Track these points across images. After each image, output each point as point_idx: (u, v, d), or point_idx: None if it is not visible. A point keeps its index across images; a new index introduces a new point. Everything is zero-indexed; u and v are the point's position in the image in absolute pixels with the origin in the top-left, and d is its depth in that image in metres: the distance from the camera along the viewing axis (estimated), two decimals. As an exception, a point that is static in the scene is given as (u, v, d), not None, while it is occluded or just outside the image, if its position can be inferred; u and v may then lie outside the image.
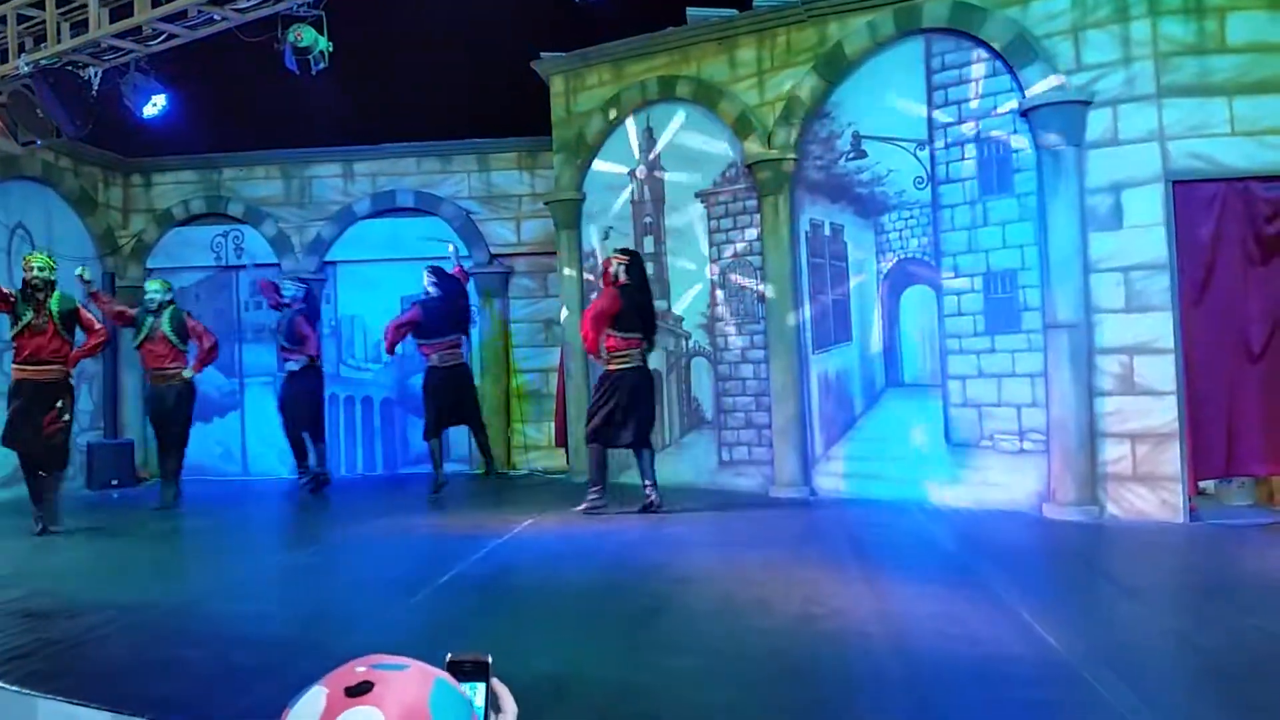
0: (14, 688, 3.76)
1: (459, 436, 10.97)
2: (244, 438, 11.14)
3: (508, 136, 11.00)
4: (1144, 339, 6.66)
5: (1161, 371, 6.59)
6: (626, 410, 7.32)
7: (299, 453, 9.33)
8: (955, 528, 6.63)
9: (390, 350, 9.16)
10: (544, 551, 6.33)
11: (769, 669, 3.86)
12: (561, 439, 10.12)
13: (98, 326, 7.53)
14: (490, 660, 1.02)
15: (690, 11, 8.86)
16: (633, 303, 7.37)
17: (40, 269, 7.19)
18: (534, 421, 10.93)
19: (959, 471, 7.42)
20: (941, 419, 7.54)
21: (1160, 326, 6.60)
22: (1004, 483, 7.18)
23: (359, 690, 0.91)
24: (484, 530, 6.89)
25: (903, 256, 7.83)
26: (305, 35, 6.16)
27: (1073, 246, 6.85)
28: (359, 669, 0.95)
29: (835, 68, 8.01)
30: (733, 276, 8.72)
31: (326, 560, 6.51)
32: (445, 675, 0.98)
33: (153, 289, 8.66)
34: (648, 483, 7.39)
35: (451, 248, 9.79)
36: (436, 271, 9.06)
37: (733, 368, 8.71)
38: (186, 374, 8.42)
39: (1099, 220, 6.82)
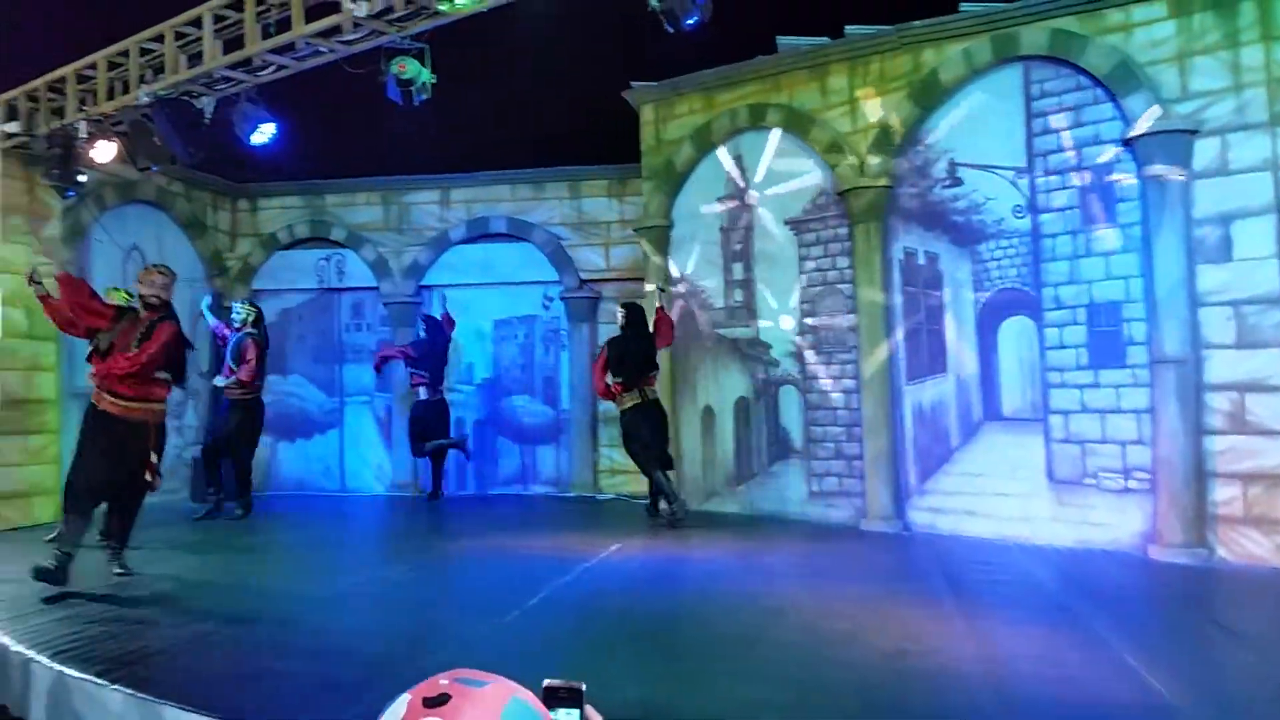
0: (126, 690, 3.91)
1: (545, 457, 11.10)
2: (342, 455, 11.43)
3: (598, 164, 11.14)
4: (1257, 376, 6.40)
5: (1275, 410, 6.31)
6: (644, 440, 8.38)
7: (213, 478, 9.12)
8: (1056, 567, 6.43)
9: (377, 369, 10.54)
10: (632, 577, 6.33)
11: (858, 705, 3.79)
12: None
13: None
14: (584, 688, 1.04)
15: (781, 40, 8.88)
16: (624, 350, 8.45)
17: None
18: (620, 446, 10.95)
19: (1060, 509, 7.20)
20: (1043, 454, 7.34)
21: (1274, 363, 6.33)
22: (1107, 522, 6.94)
23: (437, 701, 0.96)
24: (572, 553, 6.93)
25: (1001, 286, 7.67)
26: (409, 67, 6.35)
27: (1179, 279, 6.63)
28: (443, 681, 0.99)
29: (930, 95, 7.92)
30: (823, 305, 8.65)
31: (420, 577, 6.62)
32: (525, 695, 1.01)
33: (237, 310, 9.16)
34: (665, 497, 8.36)
35: (444, 298, 10.68)
36: (427, 319, 10.41)
37: (823, 396, 8.62)
38: (219, 381, 9.04)
39: (1207, 252, 6.59)
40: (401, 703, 0.98)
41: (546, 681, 1.03)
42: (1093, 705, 3.68)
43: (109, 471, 5.80)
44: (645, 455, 8.33)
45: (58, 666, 4.24)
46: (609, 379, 8.47)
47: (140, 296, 6.09)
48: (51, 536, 6.23)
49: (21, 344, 8.74)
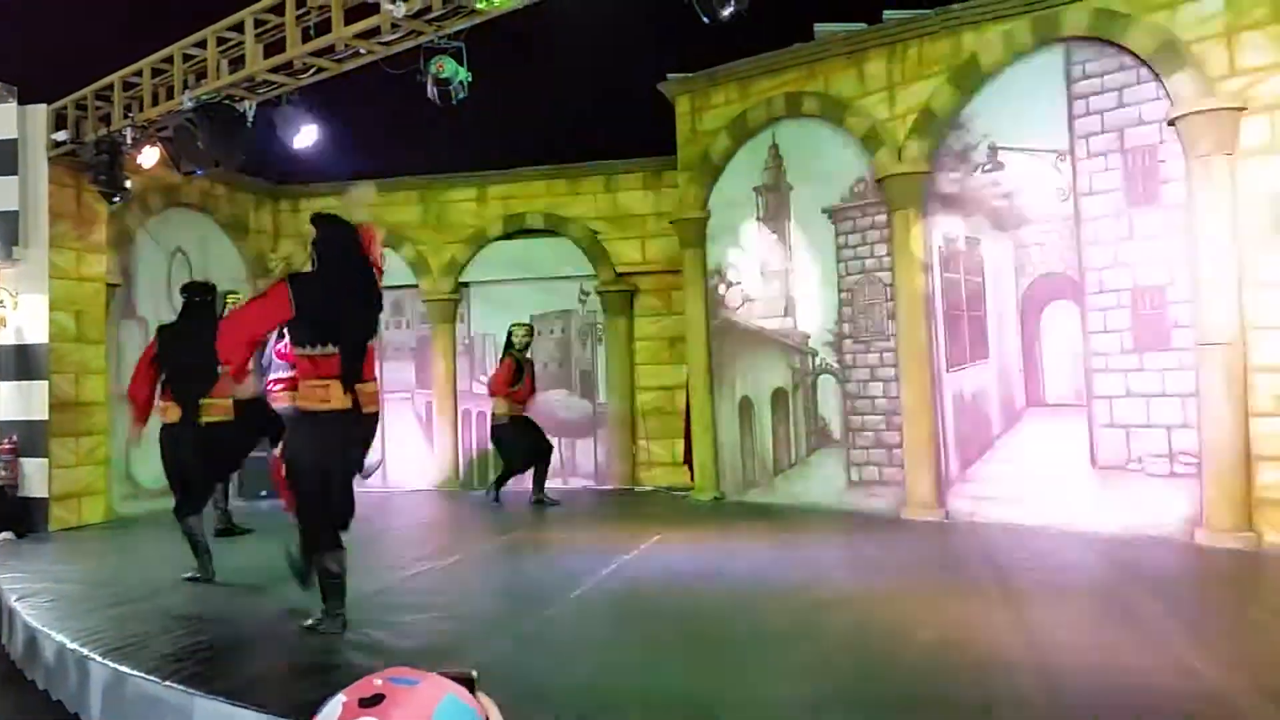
0: (179, 687, 3.99)
1: (583, 450, 11.16)
2: (383, 451, 11.55)
3: (633, 157, 11.14)
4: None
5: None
6: None
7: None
8: (1102, 554, 6.36)
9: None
10: (673, 569, 6.35)
11: (906, 698, 3.78)
12: (688, 456, 10.14)
13: None
14: (475, 675, 1.05)
15: (818, 26, 8.82)
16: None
17: None
18: (658, 438, 10.99)
19: (1105, 495, 7.11)
20: (1086, 440, 7.25)
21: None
22: (1153, 507, 6.85)
23: (371, 701, 0.97)
24: (612, 547, 6.96)
25: (1043, 271, 7.57)
26: (446, 66, 6.38)
27: (1226, 261, 6.51)
28: (376, 681, 1.01)
29: (970, 78, 7.83)
30: (861, 293, 8.60)
31: (462, 571, 6.69)
32: (459, 691, 1.01)
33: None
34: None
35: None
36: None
37: (861, 386, 8.57)
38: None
39: (1255, 233, 6.46)
40: (336, 703, 0.99)
41: (439, 670, 1.04)
42: (1142, 693, 3.65)
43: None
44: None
45: (113, 664, 4.34)
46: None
47: None
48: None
49: (71, 347, 8.93)
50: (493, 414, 9.82)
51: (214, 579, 6.10)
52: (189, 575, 6.17)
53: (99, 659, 4.43)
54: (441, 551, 7.40)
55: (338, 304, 4.66)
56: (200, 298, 6.77)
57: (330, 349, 4.54)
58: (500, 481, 9.75)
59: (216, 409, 6.38)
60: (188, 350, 6.16)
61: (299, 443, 4.71)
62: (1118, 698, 3.62)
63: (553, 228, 11.34)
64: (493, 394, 9.77)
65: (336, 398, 4.59)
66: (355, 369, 4.64)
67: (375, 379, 4.90)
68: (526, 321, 10.07)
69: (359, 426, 4.80)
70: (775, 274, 9.26)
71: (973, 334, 7.96)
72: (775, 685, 3.95)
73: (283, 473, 4.78)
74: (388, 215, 11.69)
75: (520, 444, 9.67)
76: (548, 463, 9.79)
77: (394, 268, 11.61)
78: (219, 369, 5.09)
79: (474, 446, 11.41)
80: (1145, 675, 3.84)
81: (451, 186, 11.62)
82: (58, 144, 8.68)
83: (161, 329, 6.77)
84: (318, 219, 4.70)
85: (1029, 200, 7.60)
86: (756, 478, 9.36)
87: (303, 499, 4.69)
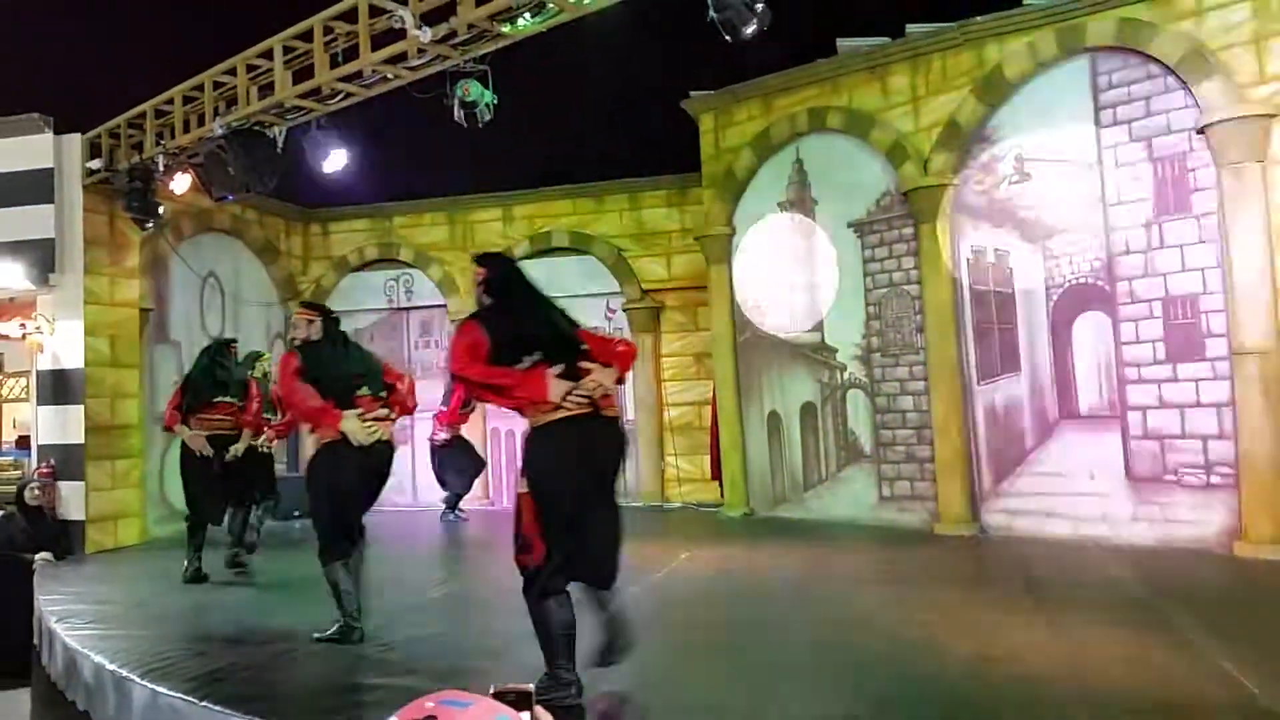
0: (216, 707, 4.02)
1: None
2: (414, 470, 11.61)
3: (658, 174, 11.18)
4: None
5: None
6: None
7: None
8: (1140, 567, 6.27)
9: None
10: (703, 586, 6.33)
11: (941, 714, 3.74)
12: (716, 472, 10.12)
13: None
14: (533, 689, 1.05)
15: (841, 42, 8.84)
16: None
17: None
18: (685, 455, 10.97)
19: (1141, 508, 7.03)
20: (1121, 452, 7.17)
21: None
22: (1191, 519, 6.76)
23: None
24: (643, 563, 6.94)
25: (1073, 282, 7.52)
26: (472, 90, 6.46)
27: (1259, 268, 6.44)
28: (428, 704, 1.00)
29: (995, 90, 7.81)
30: (889, 307, 8.57)
31: (491, 589, 6.68)
32: (510, 713, 1.01)
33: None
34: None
35: None
36: None
37: (891, 400, 8.53)
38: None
39: (1289, 238, 6.39)
40: None
41: (494, 686, 1.04)
42: (1184, 708, 3.59)
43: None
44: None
45: (151, 685, 4.38)
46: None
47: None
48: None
49: (106, 372, 9.04)
50: (434, 437, 10.15)
51: (363, 641, 5.03)
52: (328, 634, 5.03)
53: (137, 679, 4.47)
54: (468, 570, 7.41)
55: (526, 317, 4.28)
56: (336, 317, 5.74)
57: (536, 355, 4.05)
58: (455, 501, 10.27)
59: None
60: (338, 365, 5.35)
61: (539, 463, 4.05)
62: (1162, 712, 3.56)
63: (578, 246, 11.39)
64: (445, 422, 10.03)
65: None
66: (570, 368, 4.01)
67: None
68: None
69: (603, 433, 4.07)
70: (802, 288, 9.24)
71: (1003, 346, 7.90)
72: (808, 702, 3.92)
73: (529, 506, 4.04)
74: (416, 236, 11.82)
75: (467, 461, 10.22)
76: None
77: (423, 287, 11.76)
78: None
79: (504, 464, 11.45)
80: (1188, 689, 3.78)
81: (478, 207, 11.72)
82: (92, 172, 8.83)
83: (303, 348, 5.44)
84: (484, 259, 4.44)
85: (1057, 211, 7.55)
86: (786, 493, 9.32)
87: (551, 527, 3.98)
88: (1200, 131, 6.73)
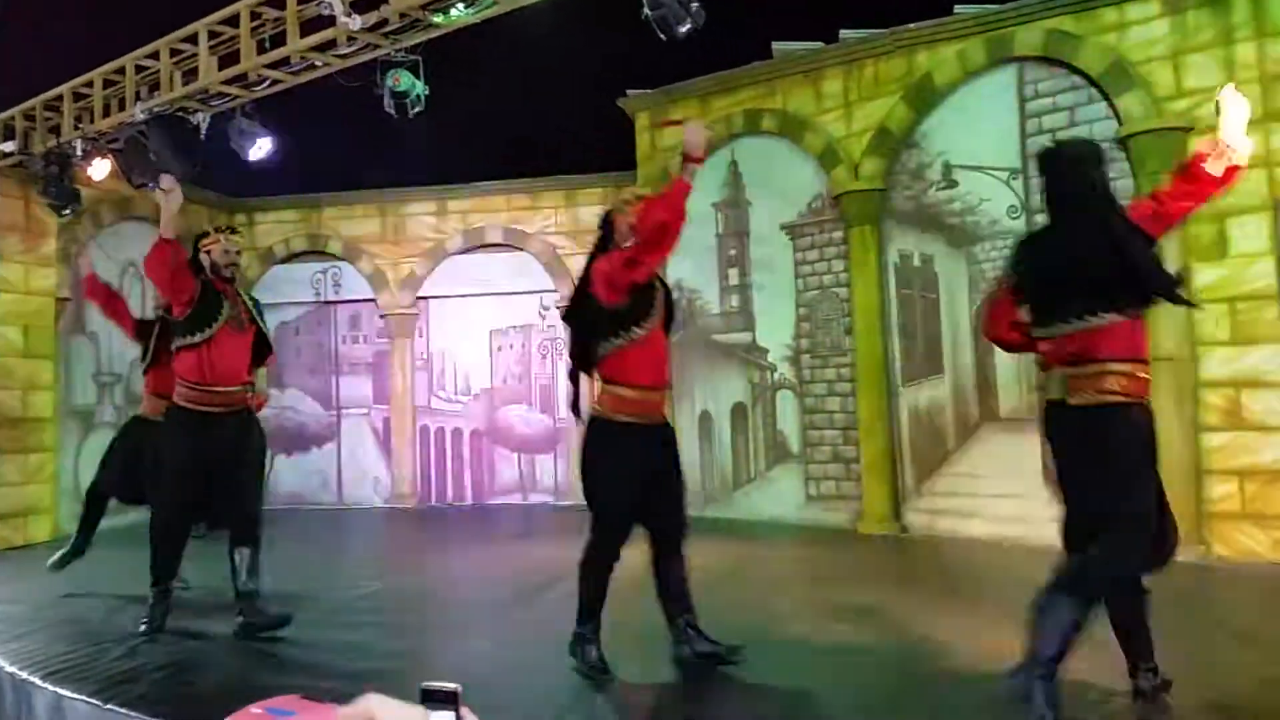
0: (123, 710, 3.90)
1: (544, 466, 11.10)
2: (340, 467, 11.43)
3: (594, 172, 11.15)
4: (1252, 372, 6.40)
5: (1270, 406, 6.32)
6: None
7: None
8: (1055, 566, 6.41)
9: None
10: (630, 585, 6.30)
11: (863, 707, 3.78)
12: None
13: None
14: (460, 690, 1.02)
15: (776, 45, 8.90)
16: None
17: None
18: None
19: (1059, 509, 7.18)
20: (1038, 454, 7.32)
21: (1270, 359, 6.34)
22: (1105, 521, 6.93)
23: None
24: (570, 562, 6.89)
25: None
26: (403, 80, 6.36)
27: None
28: (254, 710, 0.98)
29: (924, 98, 7.94)
30: (819, 309, 8.66)
31: (416, 590, 6.61)
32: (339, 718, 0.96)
33: None
34: None
35: None
36: None
37: (819, 400, 8.62)
38: None
39: (1202, 249, 6.60)
40: None
41: (423, 684, 1.01)
42: (1095, 706, 3.67)
43: None
44: None
45: (53, 687, 4.23)
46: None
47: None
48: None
49: (18, 363, 8.74)
50: None
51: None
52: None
53: (39, 682, 4.32)
54: (393, 569, 7.31)
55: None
56: None
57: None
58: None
59: None
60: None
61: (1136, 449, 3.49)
62: (1072, 711, 3.64)
63: (513, 243, 11.31)
64: None
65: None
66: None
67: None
68: None
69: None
70: (734, 289, 9.30)
71: (928, 349, 8.04)
72: (727, 700, 3.94)
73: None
74: (346, 228, 11.62)
75: None
76: None
77: (352, 281, 11.56)
78: None
79: (432, 463, 11.32)
80: (1097, 688, 3.87)
81: (411, 200, 11.55)
82: (5, 155, 8.51)
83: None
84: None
85: (982, 218, 7.70)
86: (716, 493, 9.37)
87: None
88: (1121, 142, 6.91)
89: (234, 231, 5.42)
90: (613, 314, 4.13)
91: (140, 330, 6.44)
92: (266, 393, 6.83)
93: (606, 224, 4.36)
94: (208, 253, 5.13)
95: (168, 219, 4.89)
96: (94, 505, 6.51)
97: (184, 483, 4.97)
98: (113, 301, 6.48)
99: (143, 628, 5.06)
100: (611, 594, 4.40)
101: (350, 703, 0.91)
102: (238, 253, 5.26)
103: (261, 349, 5.30)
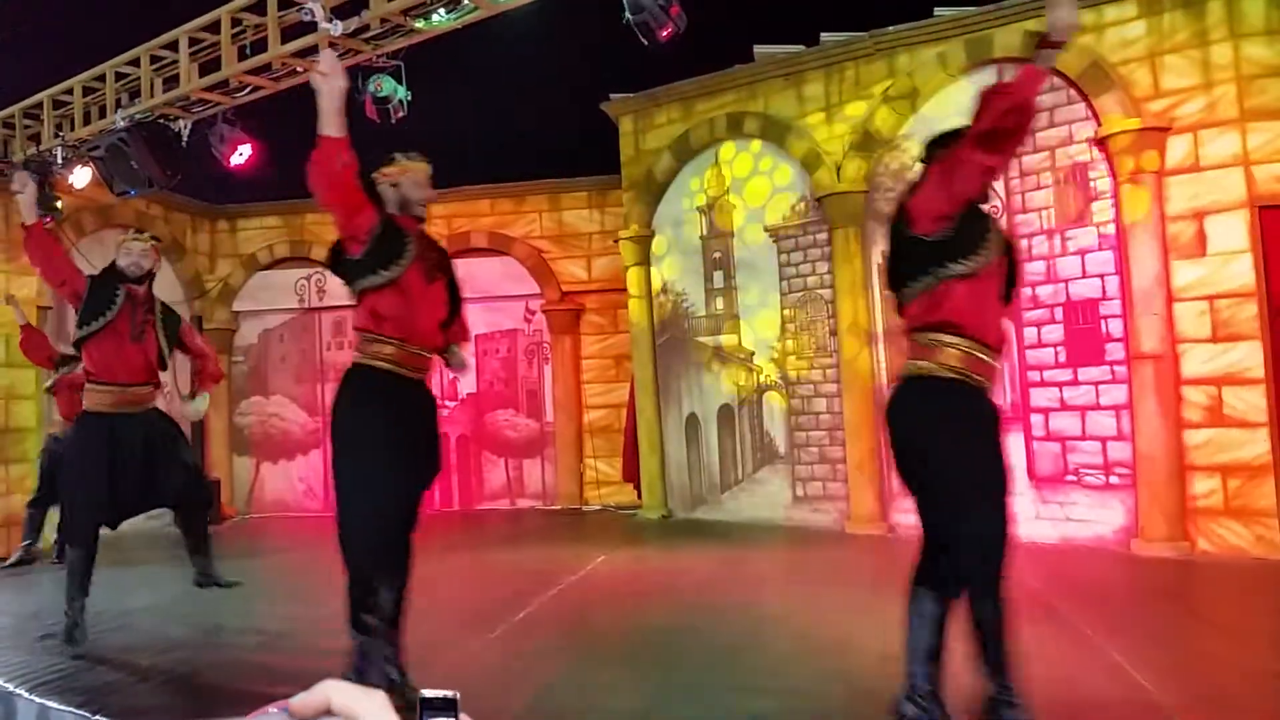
0: (110, 721, 3.88)
1: (530, 470, 11.08)
2: (325, 474, 11.39)
3: (578, 176, 11.17)
4: (1233, 369, 6.46)
5: (1252, 402, 6.38)
6: None
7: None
8: (1040, 565, 6.46)
9: None
10: (620, 588, 6.32)
11: (849, 712, 3.80)
12: (630, 474, 10.13)
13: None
14: (458, 696, 1.01)
15: (758, 48, 8.93)
16: None
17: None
18: (605, 457, 10.97)
19: (1043, 507, 7.25)
20: (1023, 453, 7.38)
21: (1250, 356, 6.40)
22: (1090, 518, 6.99)
23: None
24: (558, 566, 6.92)
25: (978, 288, 7.72)
26: (385, 85, 6.36)
27: (1154, 275, 6.70)
28: None
29: (905, 99, 7.98)
30: (804, 310, 8.69)
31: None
32: None
33: None
34: None
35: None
36: None
37: (805, 402, 8.65)
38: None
39: (1181, 248, 6.66)
40: None
41: (423, 692, 1.01)
42: (1080, 703, 3.70)
43: None
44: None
45: (40, 699, 4.20)
46: None
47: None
48: None
49: None
50: None
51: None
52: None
53: (24, 694, 4.29)
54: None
55: None
56: None
57: None
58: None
59: None
60: None
61: None
62: (1057, 708, 3.66)
63: (497, 247, 11.30)
64: None
65: None
66: None
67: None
68: None
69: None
70: (719, 292, 9.32)
71: (913, 349, 8.06)
72: (723, 700, 3.94)
73: None
74: (329, 234, 11.56)
75: None
76: None
77: (336, 287, 11.52)
78: None
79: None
80: (1084, 685, 3.90)
81: (394, 206, 11.52)
82: (-16, 164, 8.47)
83: None
84: None
85: (965, 218, 7.74)
86: (704, 495, 9.38)
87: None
88: (1099, 143, 6.97)
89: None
90: (937, 243, 3.25)
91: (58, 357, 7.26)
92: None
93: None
94: (395, 185, 4.10)
95: (331, 109, 3.79)
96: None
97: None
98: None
99: None
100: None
101: (308, 691, 0.90)
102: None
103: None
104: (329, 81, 3.76)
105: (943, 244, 3.23)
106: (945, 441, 3.23)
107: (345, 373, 3.88)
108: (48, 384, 7.66)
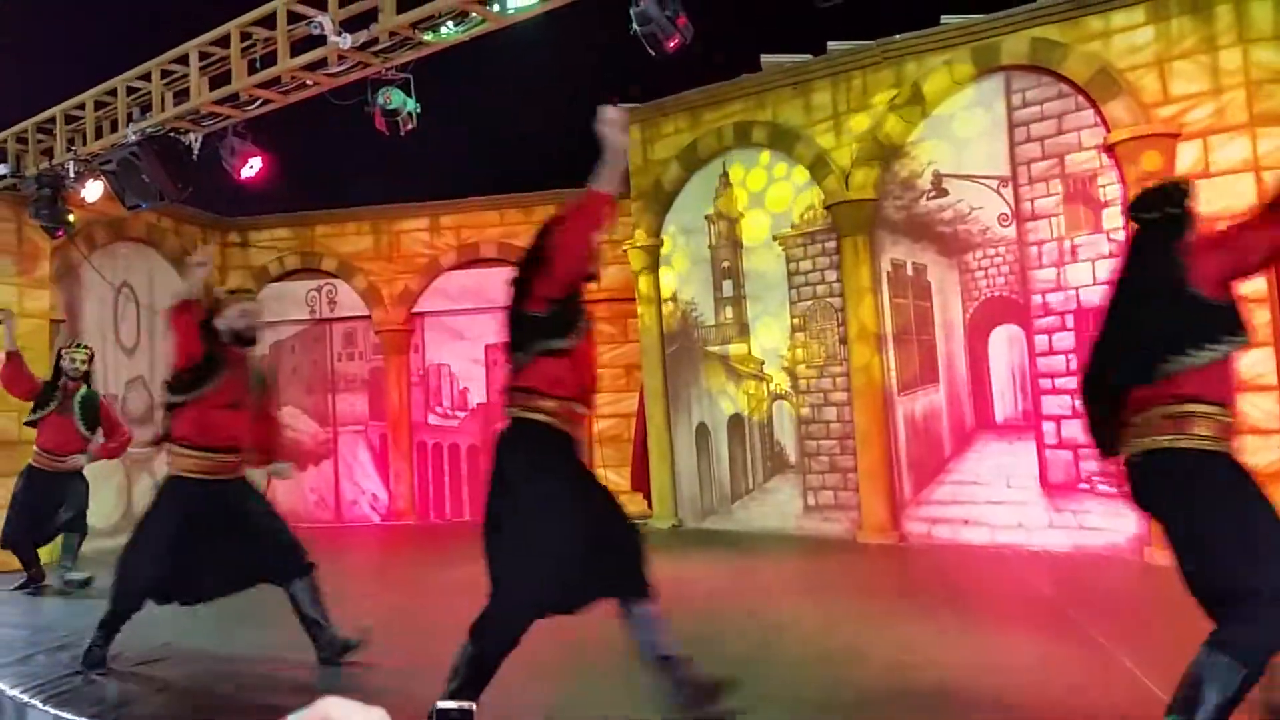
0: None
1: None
2: (337, 485, 11.42)
3: (586, 185, 11.16)
4: (1246, 375, 6.41)
5: (1265, 408, 6.34)
6: None
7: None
8: (1053, 573, 6.43)
9: None
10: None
11: (864, 716, 3.78)
12: (640, 484, 10.12)
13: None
14: (474, 708, 1.01)
15: (765, 58, 8.95)
16: None
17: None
18: (614, 466, 10.96)
19: (1056, 515, 7.21)
20: (1036, 461, 7.35)
21: (1263, 362, 6.37)
22: (1103, 527, 6.95)
23: None
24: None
25: (989, 295, 7.71)
26: (394, 98, 6.38)
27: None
28: None
29: (913, 107, 7.98)
30: (813, 319, 8.68)
31: (414, 606, 6.59)
32: None
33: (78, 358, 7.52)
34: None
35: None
36: None
37: (815, 411, 8.63)
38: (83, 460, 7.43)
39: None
40: None
41: (438, 705, 1.01)
42: (1095, 713, 3.68)
43: None
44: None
45: (54, 710, 4.22)
46: None
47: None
48: None
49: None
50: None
51: None
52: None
53: (40, 705, 4.30)
54: (390, 586, 7.29)
55: None
56: None
57: None
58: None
59: None
60: None
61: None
62: (1069, 715, 3.65)
63: (506, 257, 11.31)
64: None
65: None
66: None
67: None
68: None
69: None
70: (728, 301, 9.32)
71: (922, 358, 8.06)
72: (735, 708, 3.93)
73: None
74: (339, 246, 11.64)
75: None
76: None
77: (346, 298, 11.57)
78: None
79: (430, 479, 11.31)
80: (1099, 695, 3.88)
81: (404, 216, 11.59)
82: (-2, 178, 8.53)
83: None
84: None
85: (973, 226, 7.74)
86: (714, 504, 9.37)
87: None
88: (1109, 149, 6.95)
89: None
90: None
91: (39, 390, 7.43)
92: None
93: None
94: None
95: (616, 167, 3.66)
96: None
97: None
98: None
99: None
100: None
101: (308, 707, 0.90)
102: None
103: None
104: (619, 136, 3.65)
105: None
106: None
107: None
108: (26, 420, 7.48)
